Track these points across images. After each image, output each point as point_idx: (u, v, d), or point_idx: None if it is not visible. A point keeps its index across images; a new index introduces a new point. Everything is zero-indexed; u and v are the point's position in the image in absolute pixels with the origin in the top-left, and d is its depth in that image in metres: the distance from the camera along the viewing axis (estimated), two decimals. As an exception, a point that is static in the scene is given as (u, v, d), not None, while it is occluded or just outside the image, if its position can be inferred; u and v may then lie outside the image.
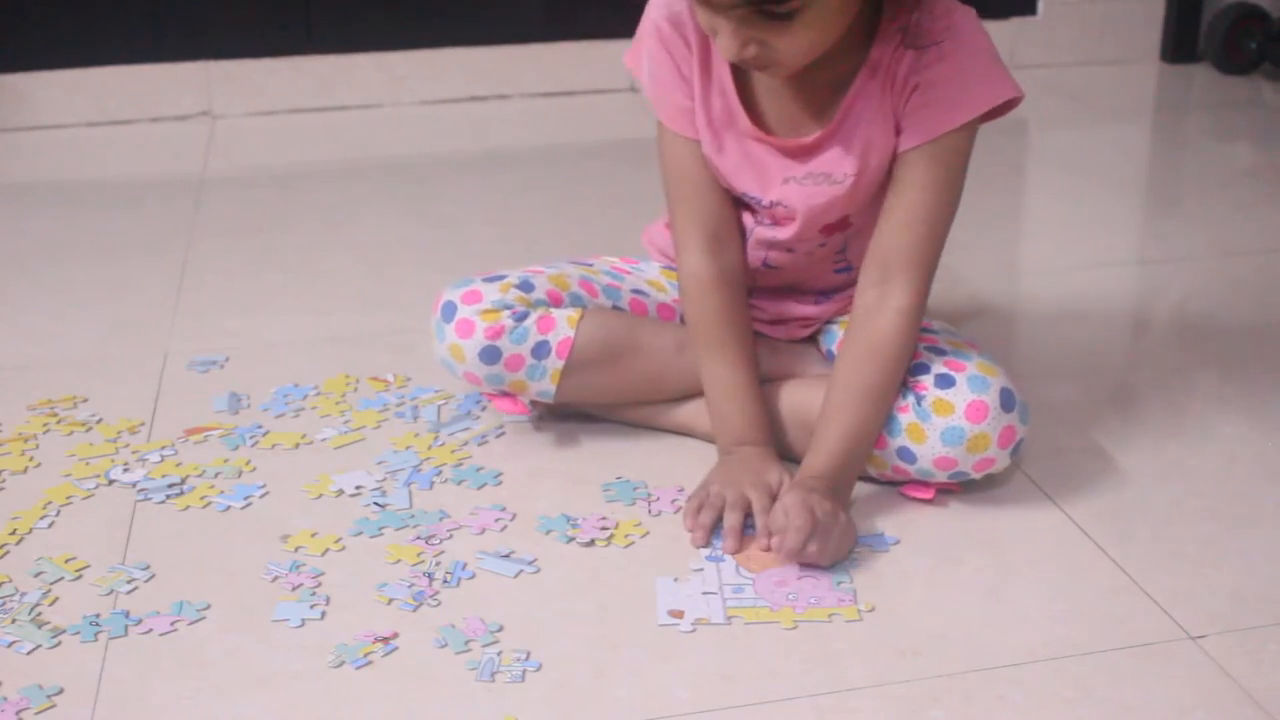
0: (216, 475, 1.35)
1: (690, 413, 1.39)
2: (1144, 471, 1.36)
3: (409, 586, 1.17)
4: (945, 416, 1.23)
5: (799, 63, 1.16)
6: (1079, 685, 1.05)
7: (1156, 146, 2.57)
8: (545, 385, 1.35)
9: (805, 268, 1.35)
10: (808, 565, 1.18)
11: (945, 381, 1.24)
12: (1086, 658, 1.08)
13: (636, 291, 1.41)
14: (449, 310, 1.34)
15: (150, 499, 1.31)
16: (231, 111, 2.61)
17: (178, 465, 1.37)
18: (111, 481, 1.34)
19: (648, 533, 1.25)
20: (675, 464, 1.36)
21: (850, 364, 1.24)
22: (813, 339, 1.42)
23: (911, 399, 1.25)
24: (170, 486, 1.33)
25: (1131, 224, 2.13)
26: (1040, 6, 2.88)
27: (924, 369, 1.26)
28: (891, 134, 1.23)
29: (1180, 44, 2.92)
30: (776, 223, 1.31)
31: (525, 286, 1.34)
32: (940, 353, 1.28)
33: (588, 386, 1.36)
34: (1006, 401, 1.24)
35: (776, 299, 1.39)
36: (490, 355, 1.32)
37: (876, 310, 1.24)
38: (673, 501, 1.29)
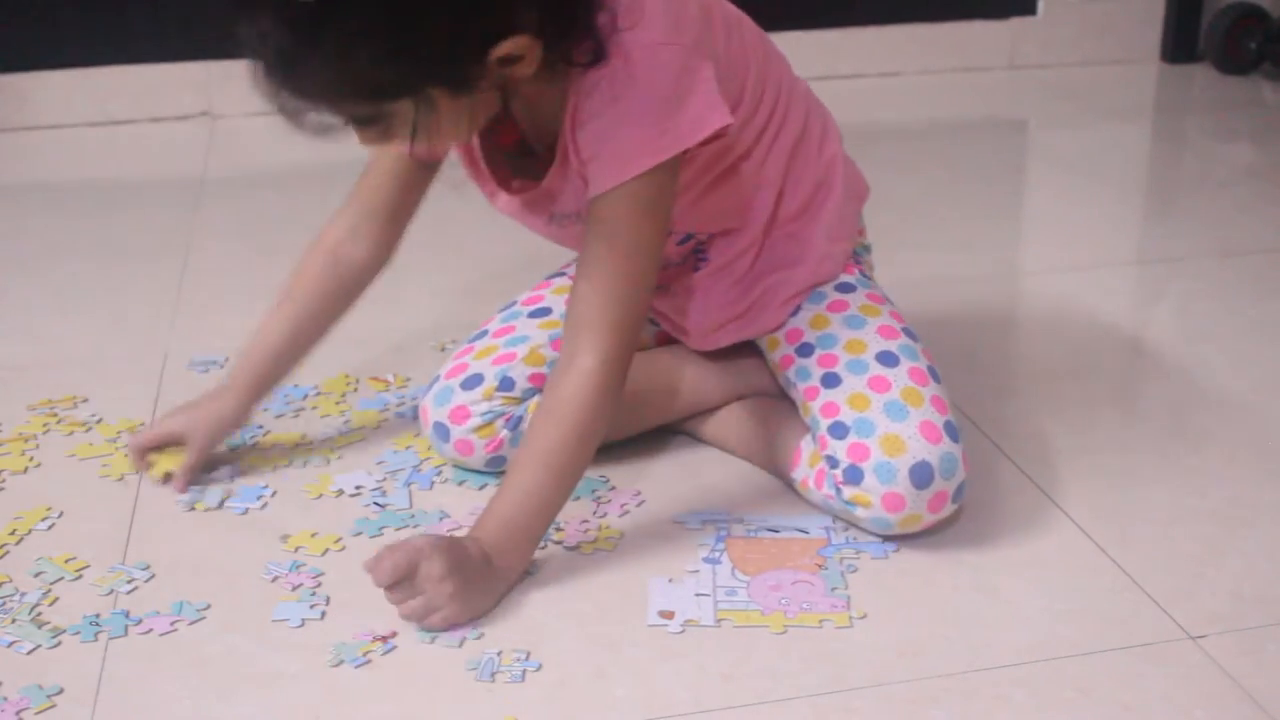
0: (243, 479, 1.35)
1: (715, 428, 1.38)
2: (1144, 471, 1.36)
3: None
4: (867, 508, 1.19)
5: (446, 146, 1.14)
6: (1079, 685, 1.05)
7: (1156, 146, 2.57)
8: None
9: None
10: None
11: (854, 475, 1.19)
12: (1086, 658, 1.08)
13: None
14: (441, 431, 1.31)
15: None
16: (231, 111, 2.61)
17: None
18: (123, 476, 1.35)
19: (623, 533, 1.25)
20: (676, 464, 1.36)
21: (534, 424, 1.17)
22: (759, 353, 1.37)
23: (834, 491, 1.22)
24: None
25: (1131, 224, 2.13)
26: (1040, 6, 2.88)
27: (833, 462, 1.21)
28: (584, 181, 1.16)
29: (1180, 44, 2.92)
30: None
31: (506, 385, 1.30)
32: (842, 432, 1.20)
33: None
34: (921, 478, 1.17)
35: (677, 303, 1.34)
36: (497, 462, 1.31)
37: (564, 370, 1.15)
38: (622, 505, 1.29)
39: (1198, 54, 2.92)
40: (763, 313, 1.32)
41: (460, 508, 1.29)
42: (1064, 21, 2.90)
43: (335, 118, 1.06)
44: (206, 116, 2.60)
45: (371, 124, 1.08)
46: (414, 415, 1.46)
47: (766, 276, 1.32)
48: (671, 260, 1.32)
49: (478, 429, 1.30)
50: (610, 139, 1.11)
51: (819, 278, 1.32)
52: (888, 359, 1.24)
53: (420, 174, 1.30)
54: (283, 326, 1.34)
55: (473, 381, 1.31)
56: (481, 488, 1.32)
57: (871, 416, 1.20)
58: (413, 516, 1.28)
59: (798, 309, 1.31)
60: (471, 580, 1.12)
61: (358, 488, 1.33)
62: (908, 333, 1.28)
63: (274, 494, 1.32)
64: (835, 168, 1.33)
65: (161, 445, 1.33)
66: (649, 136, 1.11)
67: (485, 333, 1.36)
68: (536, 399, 1.31)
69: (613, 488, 1.32)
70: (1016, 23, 2.88)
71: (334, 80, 1.02)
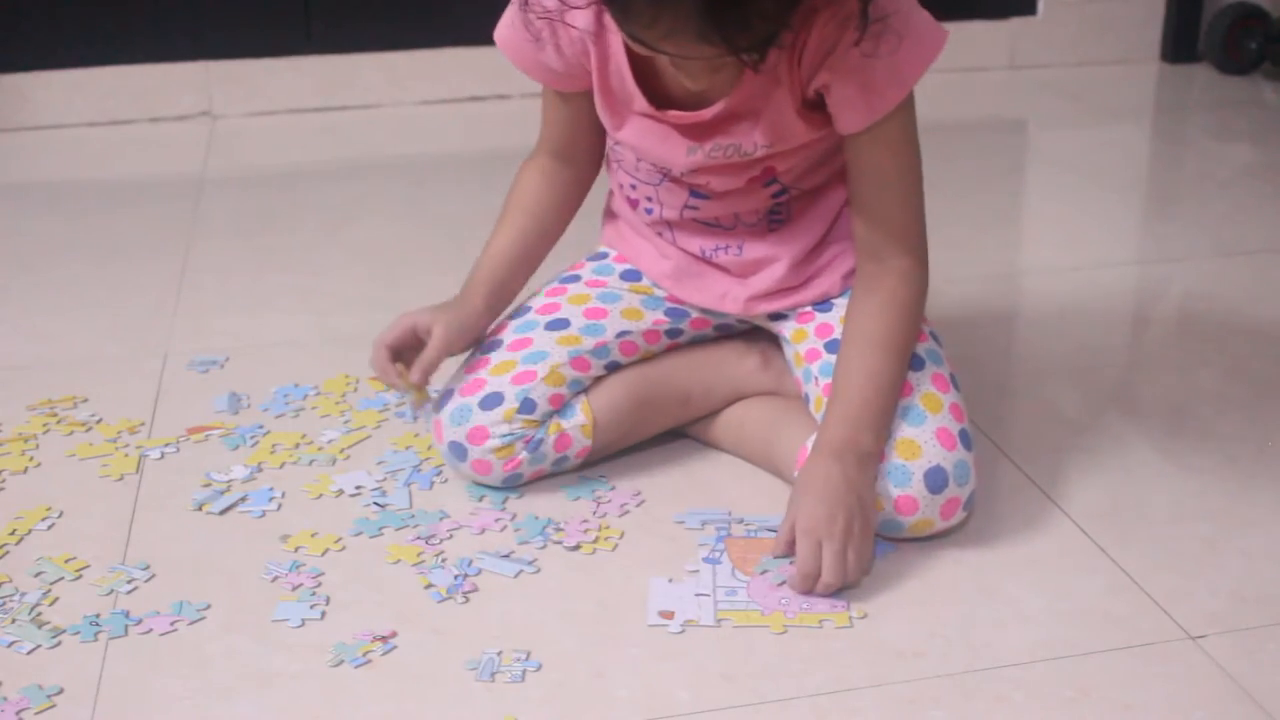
0: (245, 481, 1.35)
1: (719, 430, 1.38)
2: (1144, 471, 1.36)
3: (453, 576, 1.18)
4: (878, 511, 1.19)
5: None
6: (1079, 685, 1.05)
7: (1156, 146, 2.57)
8: (573, 468, 1.34)
9: (731, 202, 1.30)
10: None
11: None
12: (1086, 658, 1.08)
13: (621, 335, 1.35)
14: (458, 451, 1.29)
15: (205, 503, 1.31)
16: (231, 111, 2.61)
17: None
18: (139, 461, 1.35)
19: (623, 533, 1.25)
20: (676, 464, 1.36)
21: (861, 317, 1.22)
22: (762, 354, 1.38)
23: None
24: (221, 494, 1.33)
25: (1131, 224, 2.13)
26: (1040, 6, 2.88)
27: None
28: (797, 113, 1.20)
29: (1180, 44, 2.92)
30: (702, 183, 1.29)
31: (528, 408, 1.28)
32: None
33: (616, 448, 1.36)
34: (935, 483, 1.18)
35: (746, 262, 1.33)
36: (513, 479, 1.31)
37: (878, 276, 1.23)
38: (622, 505, 1.29)
39: (1198, 54, 2.92)
40: (821, 283, 1.33)
41: (460, 508, 1.29)
42: (1064, 21, 2.90)
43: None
44: (206, 116, 2.60)
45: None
46: (414, 416, 1.46)
47: (832, 246, 1.33)
48: (756, 208, 1.31)
49: (496, 450, 1.28)
50: (880, 61, 1.15)
51: None
52: (913, 362, 1.24)
53: (590, 110, 1.29)
54: (511, 235, 1.36)
55: (491, 401, 1.29)
56: (480, 493, 1.33)
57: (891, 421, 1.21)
58: (412, 516, 1.28)
59: (831, 305, 1.32)
60: (856, 489, 1.15)
61: (358, 488, 1.33)
62: (934, 336, 1.29)
63: (284, 495, 1.32)
64: None
65: (403, 346, 1.31)
66: (913, 48, 1.16)
67: (500, 343, 1.33)
68: (557, 420, 1.31)
69: (613, 488, 1.32)
70: (1016, 23, 2.88)
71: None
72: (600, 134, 1.34)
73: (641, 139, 1.25)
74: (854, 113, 1.18)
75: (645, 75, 1.22)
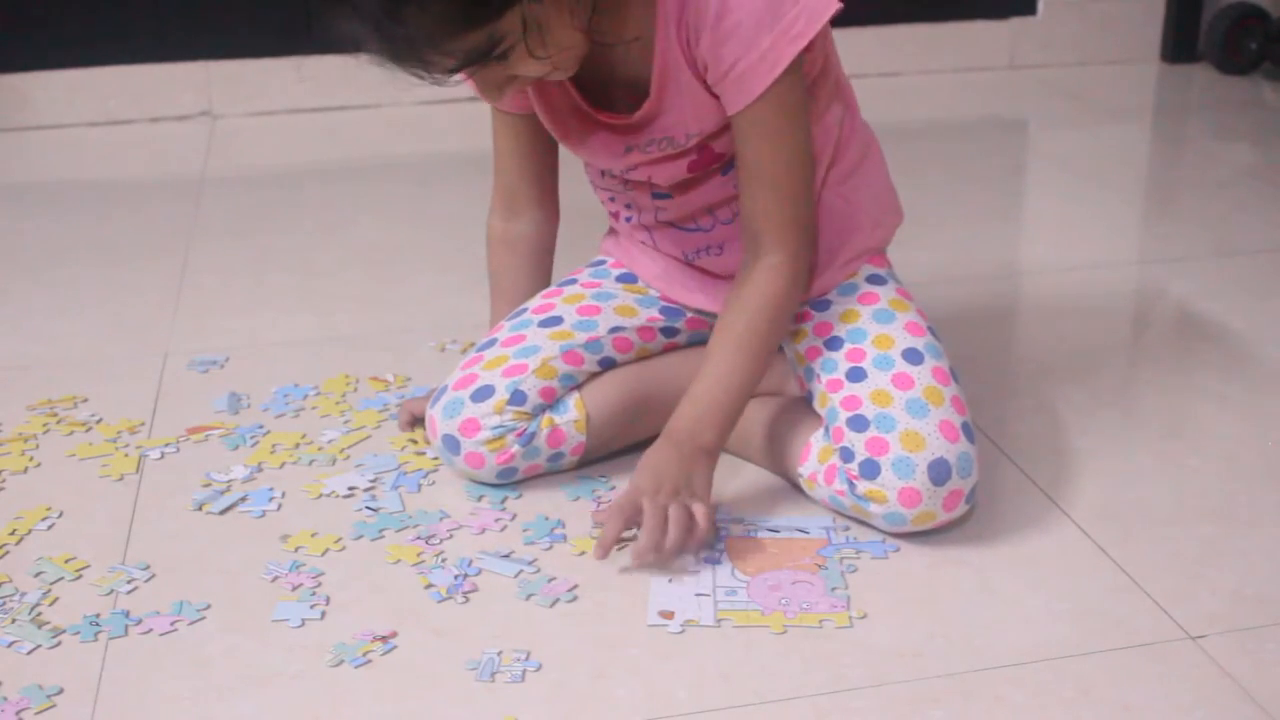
0: (245, 481, 1.35)
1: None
2: (1144, 471, 1.36)
3: (453, 576, 1.19)
4: (882, 504, 1.20)
5: (567, 67, 1.16)
6: (1079, 685, 1.05)
7: (1156, 146, 2.57)
8: (569, 466, 1.35)
9: (696, 195, 1.31)
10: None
11: (870, 469, 1.20)
12: (1086, 658, 1.08)
13: (615, 330, 1.36)
14: (451, 444, 1.30)
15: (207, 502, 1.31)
16: (231, 111, 2.61)
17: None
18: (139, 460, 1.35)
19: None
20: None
21: (726, 315, 1.24)
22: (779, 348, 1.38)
23: (846, 486, 1.22)
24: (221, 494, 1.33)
25: (1131, 224, 2.13)
26: (1040, 6, 2.88)
27: (849, 455, 1.21)
28: (708, 97, 1.20)
29: (1180, 44, 2.92)
30: (645, 180, 1.31)
31: (518, 399, 1.29)
32: (862, 426, 1.21)
33: (611, 447, 1.36)
34: (939, 475, 1.19)
35: (730, 263, 1.34)
36: (508, 474, 1.31)
37: (749, 269, 1.23)
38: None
39: (1198, 54, 2.93)
40: (819, 276, 1.32)
41: (460, 508, 1.29)
42: (1064, 21, 2.90)
43: (450, 63, 1.09)
44: (206, 116, 2.60)
45: (487, 61, 1.09)
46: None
47: (821, 239, 1.32)
48: (725, 199, 1.31)
49: (488, 442, 1.29)
50: (743, 47, 1.15)
51: (873, 242, 1.34)
52: (913, 356, 1.25)
53: (538, 138, 1.35)
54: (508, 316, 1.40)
55: (483, 393, 1.30)
56: (480, 493, 1.33)
57: (893, 412, 1.21)
58: (411, 517, 1.28)
59: (828, 304, 1.32)
60: (688, 470, 1.19)
61: (350, 489, 1.33)
62: (932, 331, 1.29)
63: (284, 495, 1.32)
64: (875, 139, 1.38)
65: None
66: (778, 35, 1.15)
67: (494, 341, 1.34)
68: (549, 414, 1.31)
69: (613, 487, 1.32)
70: (1016, 23, 2.88)
71: (441, 12, 1.04)
72: (551, 173, 1.39)
73: (581, 143, 1.28)
74: (728, 94, 1.19)
75: (585, 82, 1.24)
